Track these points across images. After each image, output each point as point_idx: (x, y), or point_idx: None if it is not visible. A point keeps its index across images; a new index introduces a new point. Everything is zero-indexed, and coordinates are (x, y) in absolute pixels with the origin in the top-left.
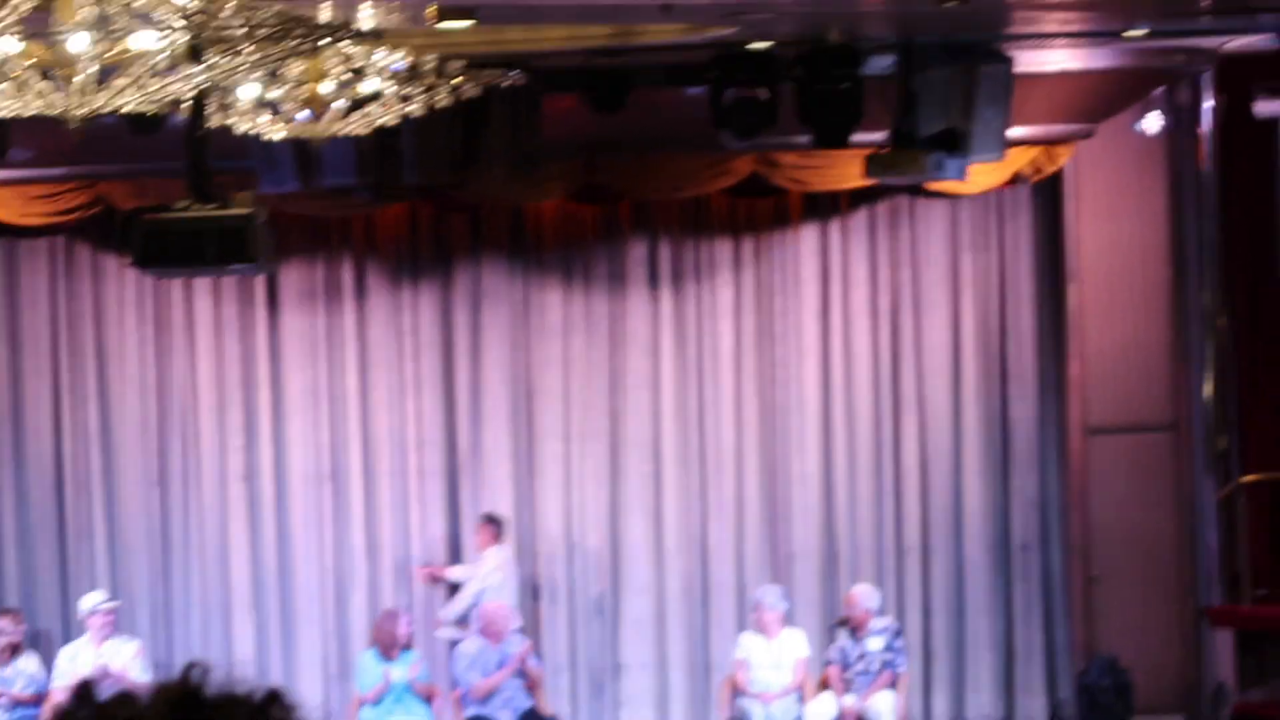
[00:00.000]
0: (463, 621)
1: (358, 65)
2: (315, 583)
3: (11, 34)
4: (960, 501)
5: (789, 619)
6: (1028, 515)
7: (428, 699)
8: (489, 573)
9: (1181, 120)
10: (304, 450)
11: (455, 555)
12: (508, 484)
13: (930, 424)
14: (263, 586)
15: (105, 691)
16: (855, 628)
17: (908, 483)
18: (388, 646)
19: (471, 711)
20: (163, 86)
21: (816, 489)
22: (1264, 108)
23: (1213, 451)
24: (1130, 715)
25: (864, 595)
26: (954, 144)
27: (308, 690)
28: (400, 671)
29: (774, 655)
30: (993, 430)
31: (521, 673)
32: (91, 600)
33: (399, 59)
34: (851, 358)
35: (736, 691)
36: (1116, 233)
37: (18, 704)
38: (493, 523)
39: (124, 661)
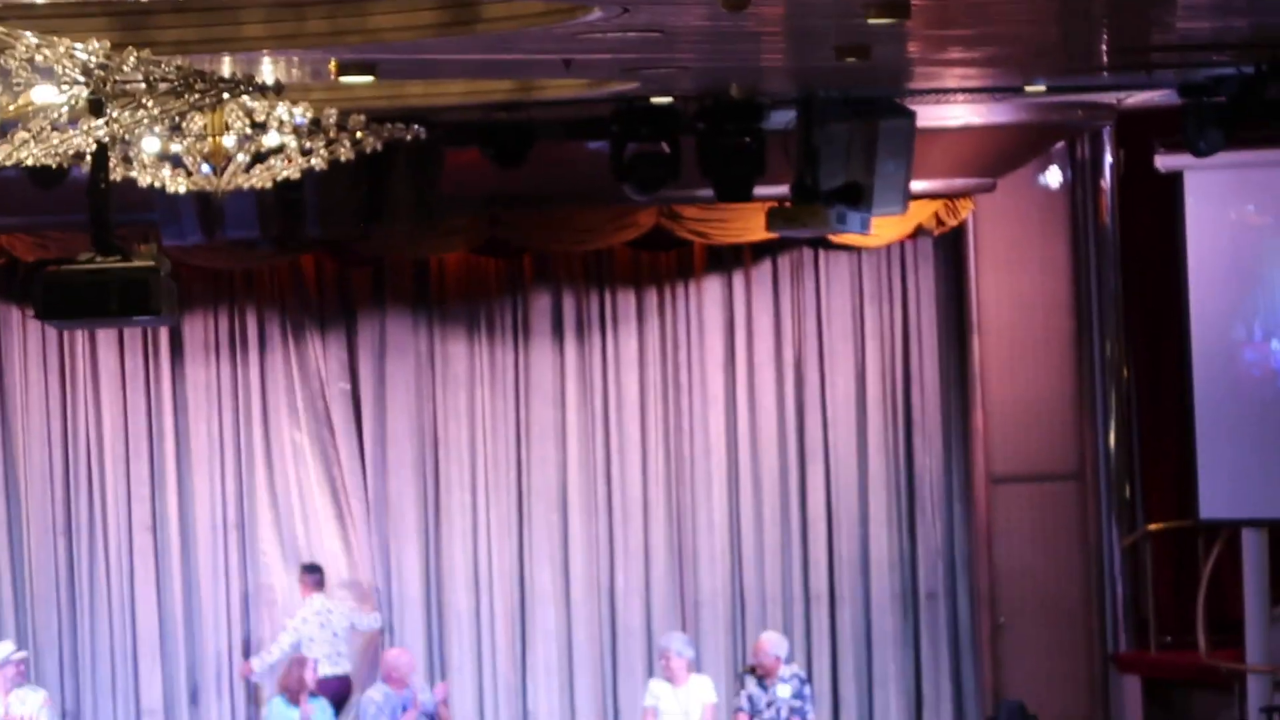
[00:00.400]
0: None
1: (260, 119)
2: (223, 631)
3: None
4: (867, 550)
5: (696, 665)
6: (934, 563)
7: None
8: (302, 622)
9: (1083, 174)
10: (210, 499)
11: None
12: (414, 533)
13: (836, 473)
14: (170, 635)
15: None
16: (763, 675)
17: (814, 531)
18: (295, 692)
19: None
20: (64, 140)
21: (723, 537)
22: (1165, 161)
23: (1117, 500)
24: None
25: (772, 643)
26: (856, 197)
27: None
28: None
29: (682, 702)
30: (898, 480)
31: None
32: (1, 651)
33: (301, 113)
34: (757, 408)
35: None
36: (1019, 285)
37: None
38: (311, 572)
39: (32, 711)
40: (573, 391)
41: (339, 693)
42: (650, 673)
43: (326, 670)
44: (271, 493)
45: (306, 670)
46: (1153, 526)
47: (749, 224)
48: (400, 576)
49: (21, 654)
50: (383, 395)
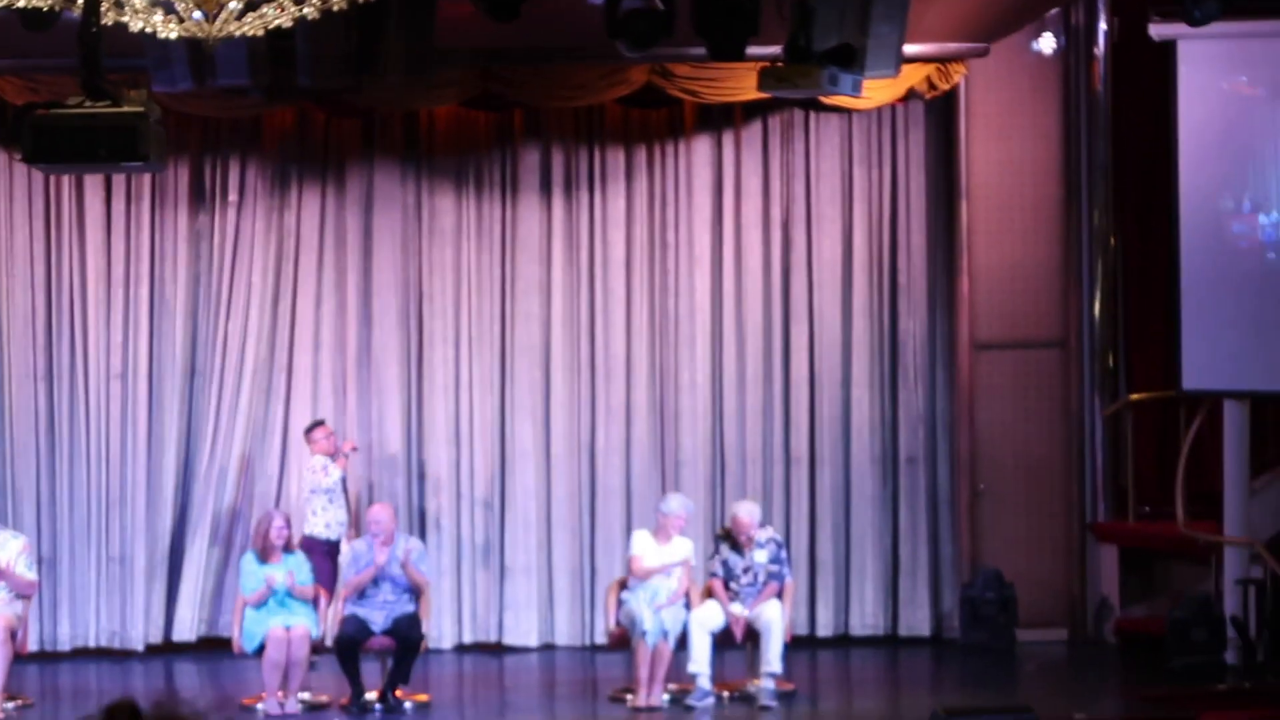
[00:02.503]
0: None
1: None
2: (199, 482)
3: None
4: (848, 413)
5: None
6: (915, 428)
7: (312, 600)
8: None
9: (1076, 41)
10: (188, 348)
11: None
12: (396, 387)
13: (820, 335)
14: (147, 484)
15: None
16: (741, 544)
17: (796, 393)
18: (267, 550)
19: (348, 610)
20: None
21: (705, 397)
22: (1159, 30)
23: (1100, 369)
24: (1014, 629)
25: (751, 515)
26: (849, 59)
27: (189, 589)
28: (280, 574)
29: (663, 559)
30: (882, 343)
31: (403, 578)
32: None
33: None
34: (742, 269)
35: (623, 598)
36: (1009, 151)
37: None
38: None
39: (10, 556)
40: (559, 248)
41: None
42: (628, 530)
43: (324, 534)
44: (251, 343)
45: (273, 528)
46: (1134, 396)
47: (741, 84)
48: (381, 430)
49: None
50: (368, 248)
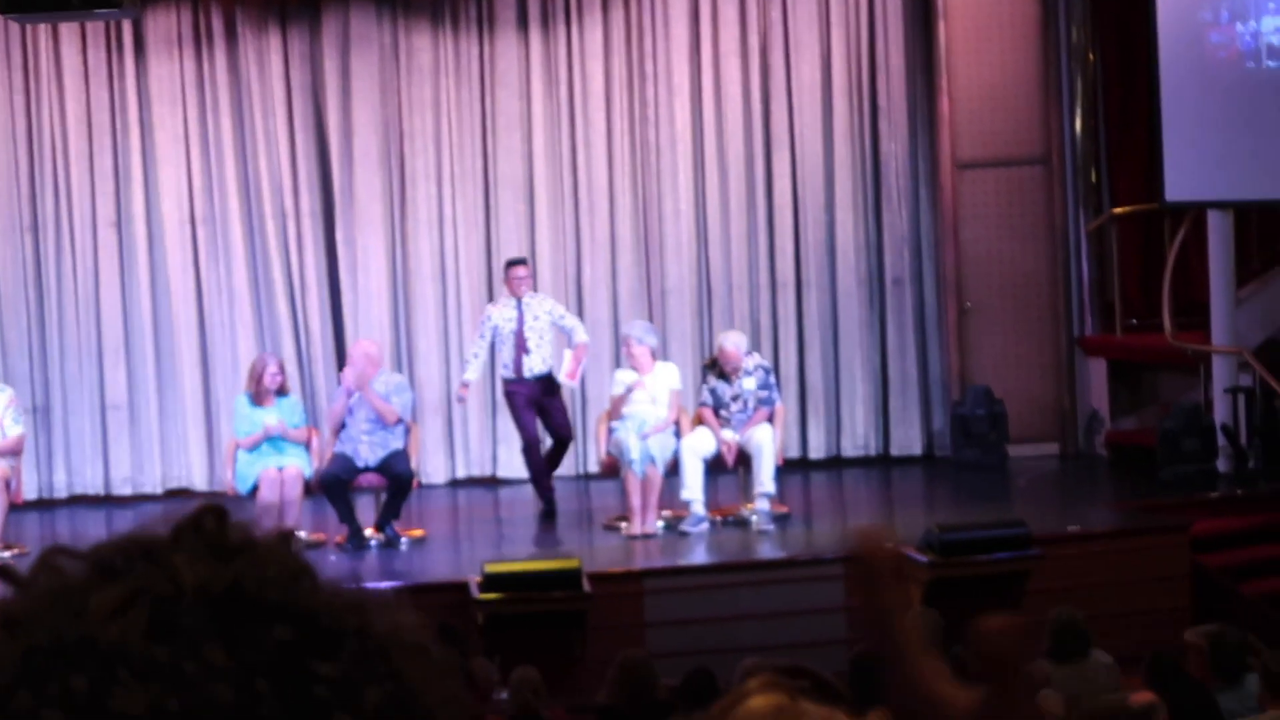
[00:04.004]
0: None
1: None
2: (189, 327)
3: None
4: (833, 236)
5: (664, 353)
6: (900, 249)
7: (305, 443)
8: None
9: None
10: (176, 195)
11: (334, 295)
12: (380, 225)
13: (802, 160)
14: (137, 331)
15: None
16: (728, 373)
17: (780, 218)
18: (259, 393)
19: (336, 448)
20: None
21: (689, 226)
22: None
23: (1083, 184)
24: (1005, 445)
25: (737, 344)
26: None
27: (190, 432)
28: (273, 417)
29: (649, 390)
30: (864, 166)
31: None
32: None
33: None
34: (722, 96)
35: (612, 427)
36: None
37: None
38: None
39: None
40: (538, 82)
41: None
42: (617, 363)
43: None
44: (236, 188)
45: (267, 373)
46: (1118, 210)
47: None
48: (366, 269)
49: None
50: (347, 88)
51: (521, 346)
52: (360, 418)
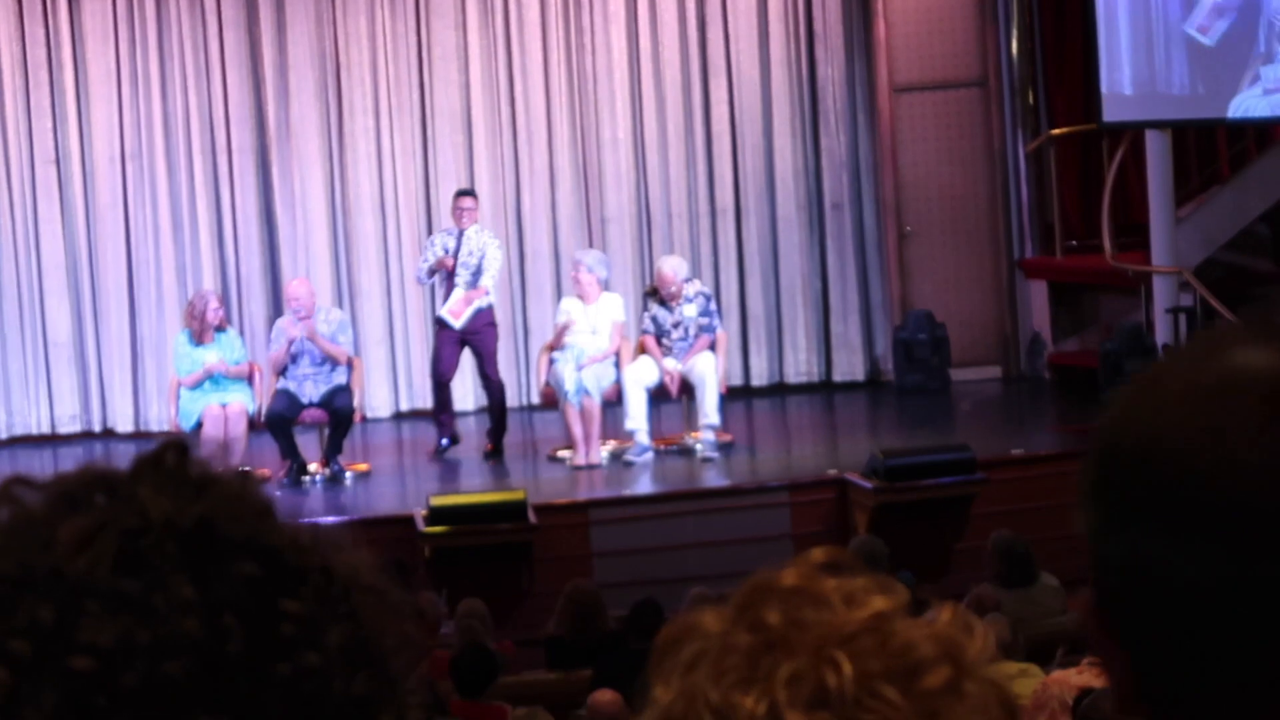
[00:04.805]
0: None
1: None
2: (120, 263)
3: None
4: (771, 163)
5: (604, 283)
6: (838, 174)
7: (247, 378)
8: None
9: None
10: (109, 131)
11: (269, 231)
12: (318, 159)
13: (738, 87)
14: (76, 268)
15: None
16: (668, 300)
17: (719, 146)
18: (199, 331)
19: (280, 385)
20: None
21: (628, 155)
22: None
23: (1021, 106)
24: (947, 369)
25: (674, 270)
26: None
27: (116, 370)
28: (213, 355)
29: (591, 319)
30: (801, 92)
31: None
32: None
33: None
34: (658, 23)
35: (553, 358)
36: None
37: None
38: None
39: None
40: (473, 12)
41: None
42: (558, 292)
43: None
44: (172, 122)
45: (208, 307)
46: (1056, 131)
47: None
48: (305, 205)
49: None
50: (281, 21)
51: (451, 279)
52: (304, 360)
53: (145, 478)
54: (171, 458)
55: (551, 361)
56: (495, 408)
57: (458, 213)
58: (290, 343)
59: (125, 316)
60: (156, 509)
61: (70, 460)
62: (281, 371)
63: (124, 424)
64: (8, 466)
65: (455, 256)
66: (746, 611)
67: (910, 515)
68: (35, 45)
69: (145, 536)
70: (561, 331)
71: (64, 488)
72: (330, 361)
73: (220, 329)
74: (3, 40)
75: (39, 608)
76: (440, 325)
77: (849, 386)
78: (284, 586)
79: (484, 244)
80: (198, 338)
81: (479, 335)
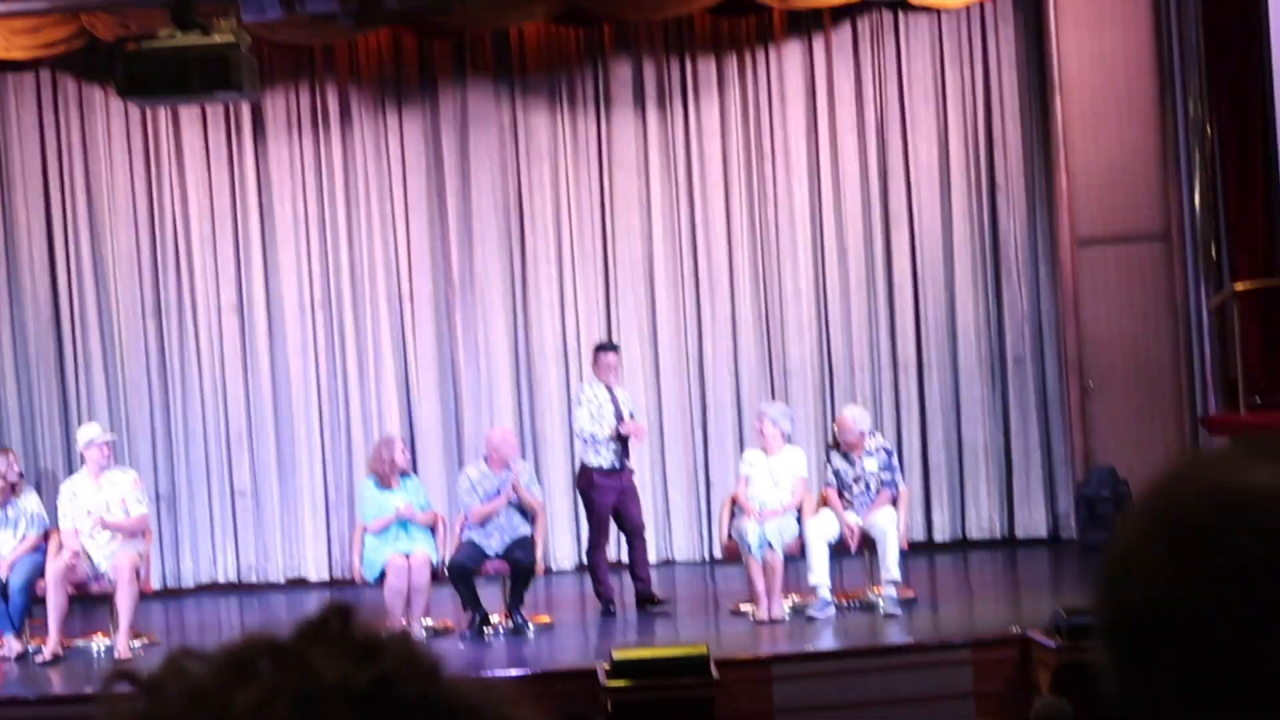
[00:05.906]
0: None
1: None
2: (311, 411)
3: None
4: (953, 316)
5: (787, 436)
6: (1020, 328)
7: (430, 527)
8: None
9: None
10: (296, 279)
11: (453, 380)
12: (500, 308)
13: (920, 239)
14: (259, 416)
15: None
16: (848, 450)
17: (900, 297)
18: (385, 475)
19: (466, 536)
20: None
21: (810, 306)
22: None
23: (1203, 260)
24: None
25: (856, 419)
26: None
27: (306, 519)
28: (401, 499)
29: (774, 472)
30: (983, 244)
31: (517, 501)
32: (88, 433)
33: None
34: (840, 174)
35: (737, 509)
36: (1101, 43)
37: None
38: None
39: (122, 492)
40: (655, 161)
41: None
42: (740, 444)
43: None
44: (356, 270)
45: (395, 452)
46: (1239, 286)
47: None
48: (488, 353)
49: (108, 436)
50: (465, 169)
51: (620, 435)
52: (501, 511)
53: (313, 642)
54: (336, 621)
55: (735, 515)
56: (638, 546)
57: (604, 369)
58: (508, 498)
59: (317, 464)
60: (329, 673)
61: (251, 610)
62: (483, 524)
63: (318, 573)
64: (194, 617)
65: (618, 412)
66: None
67: (1094, 676)
68: (221, 192)
69: (318, 701)
70: (744, 481)
71: (230, 657)
72: (518, 512)
73: (405, 474)
74: (190, 185)
75: None
76: (600, 483)
77: (1031, 543)
78: None
79: (625, 398)
80: (384, 482)
81: (630, 487)
